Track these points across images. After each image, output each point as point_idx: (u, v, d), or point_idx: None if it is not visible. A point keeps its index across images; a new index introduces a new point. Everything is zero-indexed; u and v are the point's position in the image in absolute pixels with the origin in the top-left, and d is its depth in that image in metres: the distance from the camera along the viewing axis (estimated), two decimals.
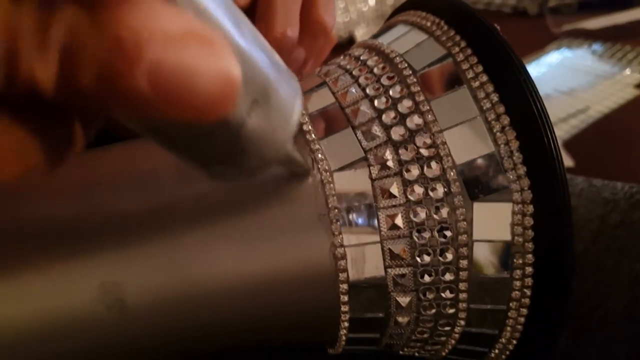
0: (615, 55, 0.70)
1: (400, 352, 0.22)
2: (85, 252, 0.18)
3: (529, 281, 0.18)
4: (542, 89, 0.70)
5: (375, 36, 0.23)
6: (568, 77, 0.69)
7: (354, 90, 0.20)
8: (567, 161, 0.56)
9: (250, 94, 0.12)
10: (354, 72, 0.21)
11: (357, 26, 0.81)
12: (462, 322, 0.19)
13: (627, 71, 0.65)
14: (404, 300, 0.19)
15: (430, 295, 0.19)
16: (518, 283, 0.19)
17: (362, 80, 0.20)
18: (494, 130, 0.18)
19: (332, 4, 0.29)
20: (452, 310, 0.19)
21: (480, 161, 0.18)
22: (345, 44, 0.83)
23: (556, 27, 0.78)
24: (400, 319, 0.20)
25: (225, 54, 0.10)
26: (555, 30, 0.77)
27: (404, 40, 0.21)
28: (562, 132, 0.60)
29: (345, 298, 0.19)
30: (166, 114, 0.09)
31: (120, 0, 0.09)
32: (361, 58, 0.22)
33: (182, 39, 0.09)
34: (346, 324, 0.19)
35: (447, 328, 0.20)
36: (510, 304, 0.19)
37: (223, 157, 0.13)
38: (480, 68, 0.19)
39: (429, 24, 0.21)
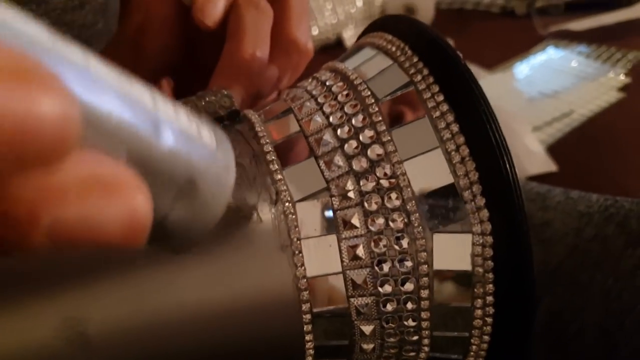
0: (601, 57, 0.70)
1: None
2: (47, 286, 0.18)
3: (490, 310, 0.19)
4: (528, 91, 0.70)
5: (343, 59, 0.23)
6: (553, 79, 0.69)
7: (318, 119, 0.20)
8: (550, 166, 0.57)
9: (173, 188, 0.11)
10: (319, 99, 0.21)
11: (345, 27, 0.81)
12: (426, 349, 0.20)
13: (611, 73, 0.65)
14: (367, 328, 0.19)
15: (393, 324, 0.19)
16: (479, 312, 0.19)
17: (326, 107, 0.20)
18: (454, 161, 0.18)
19: (306, 19, 0.29)
20: (415, 337, 0.19)
21: (440, 192, 0.18)
22: (334, 45, 0.83)
23: (543, 28, 0.78)
24: (365, 346, 0.20)
25: (131, 192, 0.09)
26: (542, 31, 0.77)
27: (369, 65, 0.21)
28: (546, 135, 0.60)
29: (309, 327, 0.19)
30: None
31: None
32: (327, 83, 0.22)
33: (82, 190, 0.08)
34: (312, 352, 0.20)
35: (412, 354, 0.20)
36: (473, 332, 0.19)
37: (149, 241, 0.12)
38: (441, 97, 0.19)
39: (393, 48, 0.21)
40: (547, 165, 0.55)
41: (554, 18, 0.80)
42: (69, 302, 0.18)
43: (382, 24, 0.23)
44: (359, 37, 0.26)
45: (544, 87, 0.68)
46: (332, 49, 0.81)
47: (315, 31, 0.82)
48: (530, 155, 0.56)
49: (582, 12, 0.78)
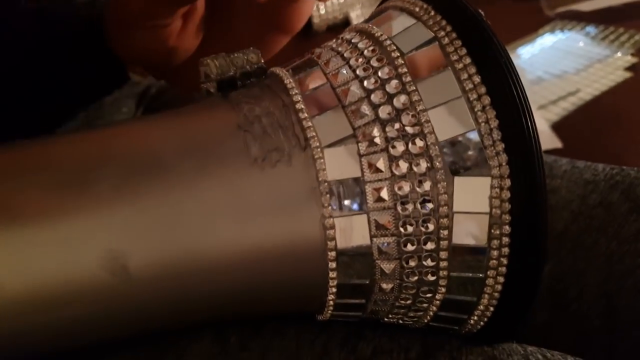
0: (608, 38, 0.71)
1: (385, 319, 0.23)
2: (92, 218, 0.19)
3: (505, 251, 0.20)
4: (534, 71, 0.71)
5: (367, 21, 0.24)
6: (560, 59, 0.70)
7: (344, 72, 0.21)
8: (556, 143, 0.58)
9: None
10: (345, 55, 0.22)
11: (352, 7, 0.81)
12: (443, 290, 0.21)
13: (619, 54, 0.66)
14: (388, 267, 0.20)
15: (412, 263, 0.20)
16: (495, 252, 0.20)
17: (352, 62, 0.21)
18: (475, 110, 0.19)
19: None
20: (433, 278, 0.21)
21: (461, 138, 0.19)
22: (341, 25, 0.83)
23: (550, 9, 0.79)
24: (384, 285, 0.21)
25: None
26: (550, 12, 0.78)
27: (393, 24, 0.22)
28: (552, 114, 0.61)
29: (333, 265, 0.20)
30: None
31: None
32: (352, 41, 0.23)
33: None
34: (334, 290, 0.21)
35: (429, 295, 0.21)
36: (488, 272, 0.20)
37: None
38: (464, 51, 0.20)
39: (417, 9, 0.22)
40: (552, 142, 0.56)
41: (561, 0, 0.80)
42: (113, 234, 0.19)
43: None
44: (380, 4, 0.27)
45: (551, 68, 0.69)
46: (339, 29, 0.82)
47: (322, 10, 0.82)
48: None
49: None
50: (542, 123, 0.59)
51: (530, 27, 0.77)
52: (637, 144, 0.53)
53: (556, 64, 0.69)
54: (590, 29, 0.74)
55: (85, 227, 0.19)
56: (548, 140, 0.56)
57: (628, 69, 0.64)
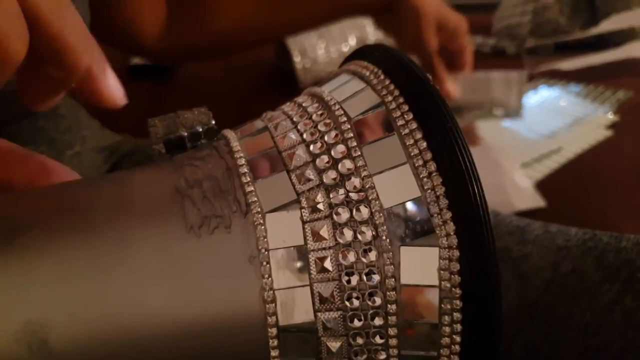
0: (590, 96, 0.72)
1: None
2: (9, 287, 0.18)
3: (457, 327, 0.18)
4: (518, 129, 0.71)
5: (320, 84, 0.24)
6: (544, 117, 0.70)
7: (292, 136, 0.21)
8: (539, 202, 0.57)
9: None
10: (294, 118, 0.21)
11: (337, 66, 0.83)
12: None
13: (600, 112, 0.67)
14: (334, 345, 0.19)
15: (360, 341, 0.19)
16: (447, 329, 0.19)
17: (300, 126, 0.21)
18: (421, 176, 0.19)
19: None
20: (383, 356, 0.19)
21: (407, 205, 0.18)
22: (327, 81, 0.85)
23: (533, 67, 0.80)
24: None
25: None
26: (532, 70, 0.79)
27: (344, 88, 0.22)
28: (535, 172, 0.61)
29: (274, 342, 0.19)
30: None
31: None
32: (303, 105, 0.22)
33: None
34: None
35: None
36: (441, 351, 0.19)
37: None
38: (410, 116, 0.19)
39: (367, 73, 0.22)
40: (535, 200, 0.55)
41: (543, 58, 0.82)
42: (31, 305, 0.18)
43: (360, 53, 0.24)
44: (340, 66, 0.26)
45: (535, 125, 0.69)
46: None
47: (309, 68, 0.83)
48: (518, 191, 0.57)
49: (571, 52, 0.80)
50: (526, 181, 0.58)
51: None
52: (620, 201, 0.53)
53: (539, 122, 0.69)
54: (573, 87, 0.75)
55: (2, 297, 0.18)
56: (531, 199, 0.55)
57: (609, 127, 0.64)
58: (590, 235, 0.31)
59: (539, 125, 0.68)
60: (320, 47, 0.81)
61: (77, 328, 0.18)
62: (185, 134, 0.23)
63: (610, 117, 0.66)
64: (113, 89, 0.22)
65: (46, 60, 0.20)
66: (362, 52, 0.24)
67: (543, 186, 0.57)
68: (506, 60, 0.84)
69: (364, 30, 0.83)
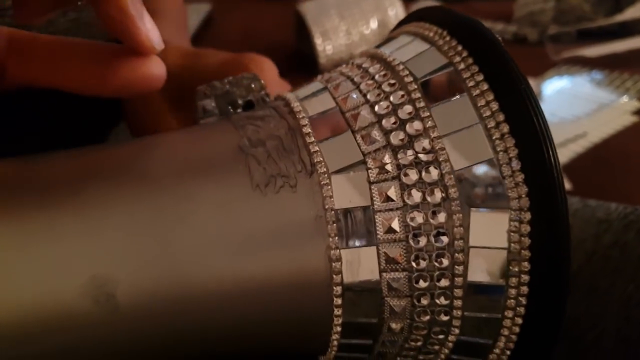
0: (614, 83, 0.71)
1: None
2: (75, 240, 0.17)
3: (524, 289, 0.18)
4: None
5: (378, 46, 0.23)
6: (568, 103, 0.69)
7: (354, 96, 0.20)
8: (566, 184, 0.56)
9: None
10: (355, 79, 0.21)
11: (358, 48, 0.82)
12: (457, 331, 0.19)
13: (625, 98, 0.66)
14: (398, 305, 0.19)
15: (424, 301, 0.19)
16: (513, 291, 0.18)
17: (363, 86, 0.21)
18: (493, 138, 0.18)
19: None
20: (446, 318, 0.19)
21: (478, 167, 0.18)
22: None
23: (556, 54, 0.79)
24: (393, 325, 0.19)
25: None
26: (555, 57, 0.78)
27: (406, 49, 0.22)
28: (561, 156, 0.60)
29: (338, 301, 0.19)
30: None
31: None
32: (363, 66, 0.22)
33: None
34: (338, 329, 0.19)
35: (441, 336, 0.20)
36: (505, 313, 0.19)
37: None
38: (481, 77, 0.19)
39: (431, 34, 0.21)
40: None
41: (566, 45, 0.81)
42: (97, 258, 0.17)
43: (417, 16, 0.24)
44: (393, 31, 0.26)
45: (559, 111, 0.68)
46: None
47: (330, 51, 0.83)
48: None
49: (594, 39, 0.79)
50: None
51: (536, 71, 0.77)
52: None
53: (563, 107, 0.68)
54: (596, 74, 0.75)
55: (69, 251, 0.17)
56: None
57: (635, 113, 0.63)
58: (632, 210, 0.31)
59: (563, 111, 0.68)
60: (341, 29, 0.81)
61: (143, 283, 0.18)
62: (240, 101, 0.23)
63: (636, 103, 0.65)
64: (147, 27, 0.18)
65: None
66: (420, 15, 0.23)
67: (569, 170, 0.56)
68: (528, 47, 0.83)
69: (385, 14, 0.82)
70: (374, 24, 0.83)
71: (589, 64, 0.76)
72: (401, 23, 0.25)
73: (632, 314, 0.28)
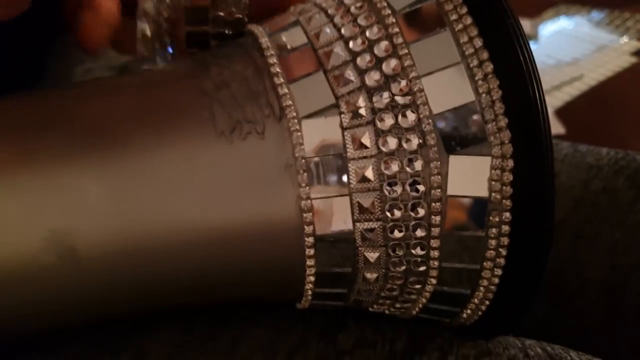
0: (613, 23, 0.68)
1: (370, 309, 0.21)
2: (34, 194, 0.17)
3: (505, 240, 0.17)
4: (537, 56, 0.68)
5: None
6: (565, 44, 0.67)
7: (328, 31, 0.19)
8: (559, 128, 0.55)
9: None
10: (329, 11, 0.19)
11: None
12: (434, 281, 0.19)
13: (624, 39, 0.64)
14: (372, 255, 0.18)
15: (400, 252, 0.18)
16: (493, 242, 0.18)
17: (337, 19, 0.19)
18: (476, 78, 0.17)
19: None
20: (422, 268, 0.18)
21: (459, 111, 0.17)
22: None
23: None
24: (368, 275, 0.19)
25: None
26: None
27: None
28: (555, 99, 0.59)
29: (311, 252, 0.18)
30: None
31: None
32: None
33: None
34: (312, 279, 0.19)
35: (418, 286, 0.19)
36: (485, 264, 0.18)
37: None
38: (464, 9, 0.17)
39: None
40: (555, 127, 0.54)
41: None
42: (55, 213, 0.16)
43: None
44: None
45: (555, 53, 0.66)
46: None
47: None
48: None
49: None
50: None
51: (534, 11, 0.74)
52: None
53: (560, 49, 0.66)
54: (595, 14, 0.72)
55: (26, 206, 0.16)
56: (551, 125, 0.54)
57: (634, 54, 0.61)
58: (623, 155, 0.30)
59: (559, 52, 0.65)
60: None
61: (105, 235, 0.17)
62: (210, 29, 0.21)
63: (635, 43, 0.63)
64: None
65: None
66: None
67: (563, 113, 0.55)
68: None
69: None
70: None
71: (588, 2, 0.73)
72: None
73: (618, 261, 0.28)
